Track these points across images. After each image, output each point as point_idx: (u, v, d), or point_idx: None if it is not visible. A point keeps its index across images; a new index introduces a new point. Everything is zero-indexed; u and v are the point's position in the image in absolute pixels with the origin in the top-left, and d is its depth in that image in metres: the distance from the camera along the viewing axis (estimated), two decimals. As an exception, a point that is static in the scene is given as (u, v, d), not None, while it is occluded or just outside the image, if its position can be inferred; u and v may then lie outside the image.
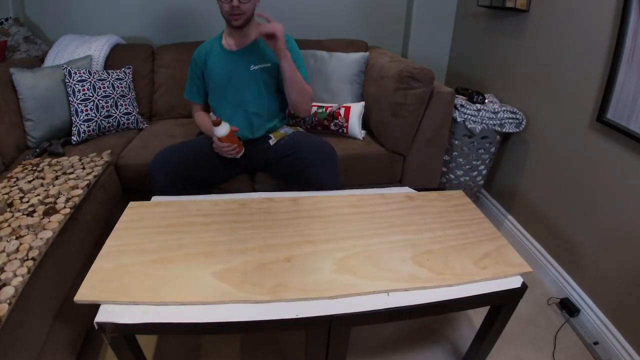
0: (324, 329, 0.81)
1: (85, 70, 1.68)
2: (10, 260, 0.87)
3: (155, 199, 1.16)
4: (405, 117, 1.58)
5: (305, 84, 1.35)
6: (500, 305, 0.93)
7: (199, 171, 1.30)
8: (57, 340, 0.95)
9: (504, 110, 1.64)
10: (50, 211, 1.07)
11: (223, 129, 1.23)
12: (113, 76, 1.76)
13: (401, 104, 1.57)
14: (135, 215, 1.05)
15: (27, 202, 1.10)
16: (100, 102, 1.68)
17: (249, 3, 1.27)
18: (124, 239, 0.95)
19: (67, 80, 1.63)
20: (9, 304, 0.77)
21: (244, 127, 1.39)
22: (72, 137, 1.64)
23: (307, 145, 1.32)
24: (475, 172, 1.81)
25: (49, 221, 1.02)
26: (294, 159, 1.32)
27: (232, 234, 0.98)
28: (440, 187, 1.88)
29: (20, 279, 0.83)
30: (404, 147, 1.65)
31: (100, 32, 2.01)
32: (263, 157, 1.42)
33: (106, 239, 0.94)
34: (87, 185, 1.23)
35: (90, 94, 1.66)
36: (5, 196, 1.13)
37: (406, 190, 1.26)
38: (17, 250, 0.90)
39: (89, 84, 1.66)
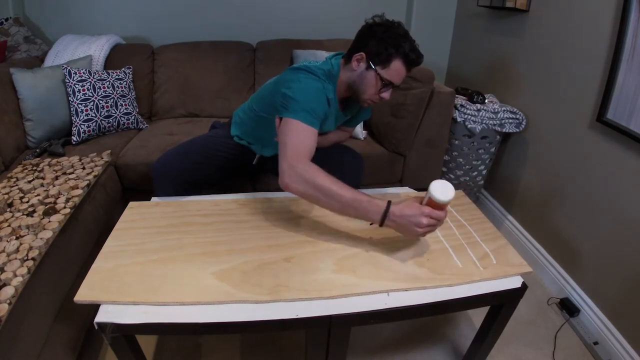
0: (324, 329, 0.81)
1: (85, 70, 1.68)
2: (10, 260, 0.87)
3: (155, 199, 1.16)
4: (405, 117, 1.58)
5: (337, 137, 1.37)
6: (500, 305, 0.93)
7: (201, 174, 1.27)
8: (57, 340, 0.95)
9: (504, 110, 1.64)
10: (50, 211, 1.07)
11: (448, 190, 0.82)
12: (113, 76, 1.76)
13: (401, 104, 1.57)
14: (135, 215, 1.05)
15: (27, 202, 1.10)
16: (100, 102, 1.68)
17: None
18: (124, 239, 0.95)
19: (67, 80, 1.63)
20: (9, 304, 0.77)
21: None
22: (72, 137, 1.64)
23: (339, 152, 1.33)
24: (475, 172, 1.81)
25: (49, 221, 1.02)
26: (325, 161, 1.26)
27: (232, 234, 0.98)
28: (440, 187, 1.87)
29: (20, 279, 0.83)
30: (404, 147, 1.65)
31: (100, 32, 2.01)
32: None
33: (106, 239, 0.94)
34: (87, 185, 1.23)
35: (90, 94, 1.66)
36: (5, 196, 1.13)
37: (406, 190, 1.26)
38: (17, 250, 0.90)
39: (89, 84, 1.66)
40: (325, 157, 1.26)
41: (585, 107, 1.33)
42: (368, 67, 1.05)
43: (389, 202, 0.85)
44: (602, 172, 1.28)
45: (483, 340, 1.02)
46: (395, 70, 1.04)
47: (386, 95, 1.09)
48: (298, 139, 0.94)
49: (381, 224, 0.85)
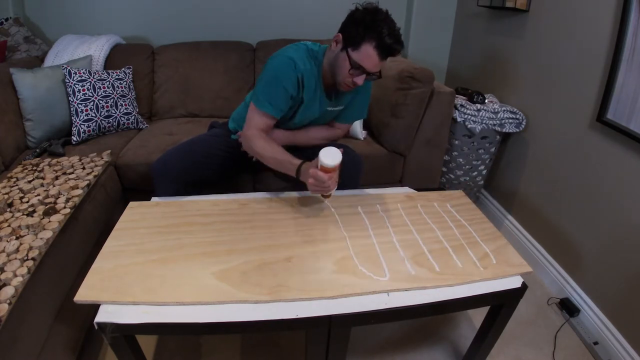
0: (324, 329, 0.81)
1: (85, 70, 1.68)
2: (10, 260, 0.87)
3: (155, 199, 1.16)
4: (405, 117, 1.58)
5: (325, 134, 1.35)
6: (500, 305, 0.93)
7: (202, 173, 1.27)
8: (57, 340, 0.95)
9: (504, 110, 1.64)
10: (50, 211, 1.07)
11: (335, 156, 0.96)
12: (113, 76, 1.76)
13: (401, 104, 1.57)
14: (135, 215, 1.05)
15: (27, 202, 1.10)
16: (100, 102, 1.68)
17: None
18: (124, 239, 0.95)
19: (67, 80, 1.63)
20: (9, 304, 0.77)
21: None
22: (72, 137, 1.64)
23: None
24: (475, 172, 1.81)
25: (49, 221, 1.02)
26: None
27: (232, 234, 0.98)
28: (440, 187, 1.88)
29: (20, 279, 0.83)
30: (404, 147, 1.65)
31: (100, 32, 2.01)
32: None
33: (106, 239, 0.94)
34: (87, 185, 1.23)
35: (90, 94, 1.66)
36: (5, 196, 1.13)
37: (406, 190, 1.26)
38: (17, 250, 0.90)
39: (89, 84, 1.66)
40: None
41: (585, 107, 1.33)
42: (342, 49, 1.06)
43: (301, 163, 1.03)
44: (602, 172, 1.28)
45: (483, 340, 1.02)
46: (366, 54, 1.02)
47: (358, 80, 1.07)
48: (256, 117, 1.15)
49: (297, 180, 1.05)
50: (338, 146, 1.34)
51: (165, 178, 1.19)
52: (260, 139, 1.13)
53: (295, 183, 1.28)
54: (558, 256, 1.51)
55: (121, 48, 1.99)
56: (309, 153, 1.29)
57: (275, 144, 1.14)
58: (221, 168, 1.32)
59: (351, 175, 1.26)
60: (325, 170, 0.96)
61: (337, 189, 1.22)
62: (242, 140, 1.21)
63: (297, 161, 1.05)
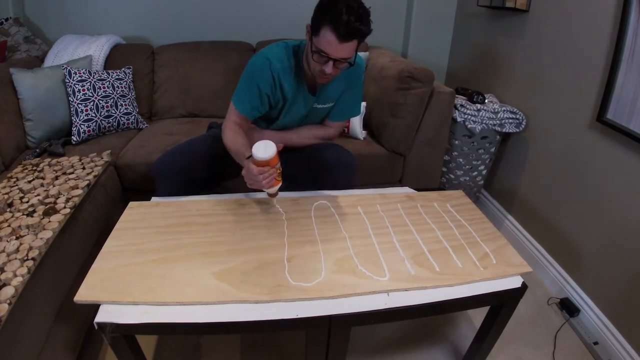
0: (324, 329, 0.81)
1: (85, 70, 1.68)
2: (10, 260, 0.87)
3: (155, 199, 1.16)
4: (405, 117, 1.59)
5: (318, 133, 1.32)
6: (500, 305, 0.93)
7: (202, 173, 1.27)
8: (57, 340, 0.95)
9: (504, 110, 1.64)
10: (50, 211, 1.07)
11: (267, 149, 0.93)
12: (113, 76, 1.76)
13: (401, 104, 1.57)
14: (135, 215, 1.05)
15: (27, 202, 1.10)
16: (100, 102, 1.68)
17: (351, 59, 1.05)
18: (124, 239, 0.94)
19: (67, 80, 1.63)
20: (9, 304, 0.77)
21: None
22: (72, 137, 1.64)
23: (331, 150, 1.29)
24: (475, 172, 1.81)
25: (49, 221, 1.02)
26: (316, 161, 1.27)
27: (232, 234, 0.98)
28: (440, 187, 1.88)
29: (20, 279, 0.83)
30: (404, 147, 1.65)
31: (100, 32, 2.02)
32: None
33: (106, 239, 0.94)
34: (87, 185, 1.23)
35: (90, 94, 1.66)
36: (5, 196, 1.13)
37: (406, 190, 1.26)
38: (17, 250, 0.90)
39: (89, 84, 1.66)
40: (315, 157, 1.27)
41: (585, 107, 1.33)
42: (310, 38, 1.03)
43: (249, 156, 0.97)
44: (602, 172, 1.28)
45: (483, 340, 1.02)
46: (325, 39, 0.96)
47: (326, 68, 1.01)
48: (229, 113, 1.20)
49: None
50: (331, 146, 1.33)
51: (165, 178, 1.19)
52: (229, 131, 1.14)
53: (306, 186, 1.28)
54: (558, 256, 1.51)
55: (121, 48, 1.99)
56: (306, 154, 1.30)
57: (240, 136, 1.13)
58: (221, 168, 1.32)
59: (345, 177, 1.26)
60: (257, 163, 0.93)
61: (330, 189, 1.22)
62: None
63: (248, 153, 0.99)
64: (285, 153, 1.30)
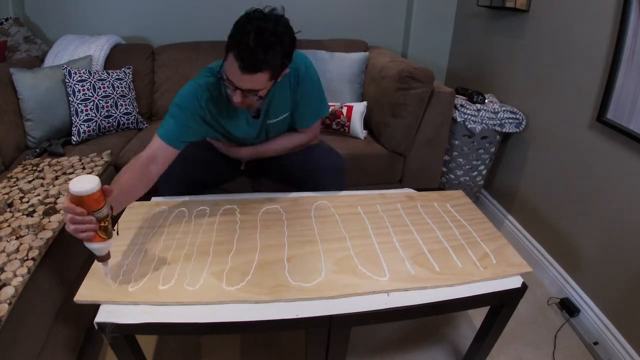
0: (324, 329, 0.81)
1: (85, 70, 1.68)
2: (10, 260, 0.87)
3: (155, 199, 1.16)
4: (405, 117, 1.59)
5: (292, 142, 1.22)
6: (500, 305, 0.93)
7: (204, 176, 1.27)
8: (57, 340, 0.95)
9: (504, 110, 1.64)
10: (50, 211, 1.07)
11: (86, 182, 0.69)
12: (113, 76, 1.76)
13: (401, 104, 1.57)
14: (135, 215, 1.05)
15: (27, 202, 1.10)
16: (100, 102, 1.68)
17: (259, 100, 0.96)
18: (124, 239, 0.94)
19: (67, 80, 1.63)
20: (9, 304, 0.77)
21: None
22: (72, 137, 1.64)
23: (317, 155, 1.25)
24: (475, 172, 1.81)
25: (49, 221, 1.02)
26: (303, 167, 1.24)
27: (232, 234, 0.98)
28: (440, 187, 1.88)
29: (20, 279, 0.83)
30: (404, 147, 1.65)
31: (100, 32, 2.01)
32: (269, 165, 1.32)
33: (106, 239, 0.94)
34: (87, 185, 1.23)
35: (90, 94, 1.66)
36: (5, 196, 1.13)
37: (406, 190, 1.26)
38: (17, 250, 0.90)
39: (89, 84, 1.66)
40: (303, 162, 1.25)
41: (585, 107, 1.33)
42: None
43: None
44: (602, 172, 1.28)
45: (483, 340, 1.02)
46: (229, 65, 0.87)
47: (233, 97, 0.93)
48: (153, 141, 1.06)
49: None
50: (319, 150, 1.27)
51: (168, 183, 1.18)
52: (132, 161, 0.99)
53: (299, 189, 1.28)
54: (558, 256, 1.51)
55: (121, 48, 1.99)
56: (294, 160, 1.24)
57: (129, 171, 0.95)
58: (222, 170, 1.32)
59: (336, 181, 1.24)
60: (71, 198, 0.69)
61: (337, 190, 1.22)
62: None
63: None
64: (274, 159, 1.27)
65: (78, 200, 0.69)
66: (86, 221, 0.69)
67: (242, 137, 1.18)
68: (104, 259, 0.78)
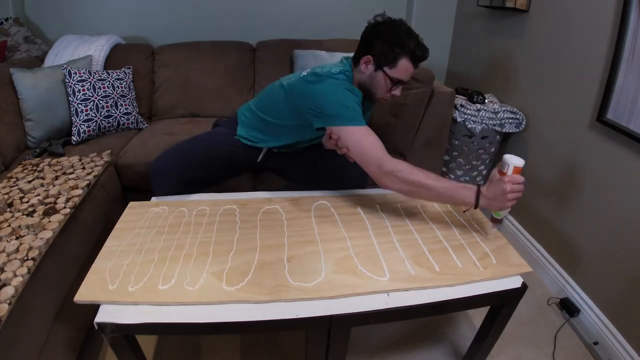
0: (324, 329, 0.81)
1: (85, 70, 1.68)
2: (10, 260, 0.87)
3: (155, 199, 1.16)
4: (405, 117, 1.59)
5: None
6: (500, 305, 0.93)
7: (201, 172, 1.26)
8: (57, 340, 0.95)
9: (504, 110, 1.64)
10: (50, 211, 1.07)
11: (519, 159, 0.92)
12: (113, 76, 1.76)
13: (401, 104, 1.57)
14: (135, 215, 1.05)
15: (27, 202, 1.10)
16: (100, 102, 1.68)
17: None
18: (124, 239, 0.95)
19: (67, 80, 1.63)
20: (9, 304, 0.77)
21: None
22: (72, 137, 1.64)
23: (354, 169, 1.23)
24: (475, 172, 1.81)
25: (49, 221, 1.02)
26: (329, 164, 1.26)
27: (232, 234, 0.98)
28: (440, 187, 1.88)
29: (20, 279, 0.83)
30: (404, 147, 1.65)
31: (100, 32, 2.01)
32: (295, 160, 1.35)
33: (106, 239, 0.94)
34: (87, 185, 1.23)
35: (90, 94, 1.66)
36: (5, 196, 1.13)
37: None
38: (17, 250, 0.90)
39: (89, 84, 1.66)
40: (330, 160, 1.25)
41: (585, 107, 1.33)
42: (376, 69, 1.09)
43: (479, 185, 0.94)
44: (602, 172, 1.28)
45: (483, 340, 1.02)
46: (403, 68, 1.08)
47: (397, 92, 1.14)
48: (368, 142, 1.02)
49: (476, 205, 0.93)
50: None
51: (163, 177, 1.19)
52: (414, 170, 0.96)
53: (298, 183, 1.28)
54: (558, 256, 1.51)
55: (121, 48, 1.99)
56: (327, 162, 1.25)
57: (430, 173, 0.97)
58: (222, 167, 1.31)
59: (358, 177, 1.24)
60: (519, 171, 0.92)
61: (340, 188, 1.21)
62: (389, 180, 0.98)
63: (472, 186, 0.94)
64: (304, 153, 1.29)
65: (520, 171, 0.92)
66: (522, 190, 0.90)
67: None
68: (501, 221, 1.01)
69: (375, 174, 1.00)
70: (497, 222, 1.00)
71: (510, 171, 0.91)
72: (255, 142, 1.32)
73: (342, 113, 1.03)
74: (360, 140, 1.02)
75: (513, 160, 0.91)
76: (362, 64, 1.11)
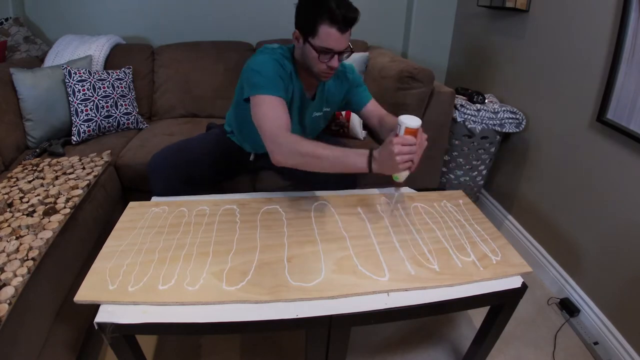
0: (324, 329, 0.81)
1: (85, 70, 1.68)
2: (10, 260, 0.87)
3: (155, 199, 1.16)
4: (405, 117, 1.58)
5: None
6: (500, 305, 0.93)
7: (197, 170, 1.26)
8: (57, 340, 0.95)
9: (504, 110, 1.64)
10: (50, 211, 1.07)
11: (414, 119, 0.88)
12: (113, 76, 1.76)
13: (401, 104, 1.57)
14: (135, 215, 1.05)
15: (27, 202, 1.10)
16: (100, 102, 1.68)
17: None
18: (124, 239, 0.94)
19: (67, 80, 1.63)
20: (9, 304, 0.77)
21: None
22: (72, 137, 1.64)
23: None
24: (475, 172, 1.81)
25: (49, 221, 1.02)
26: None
27: (232, 234, 0.98)
28: (440, 187, 1.88)
29: (20, 279, 0.83)
30: (404, 147, 1.65)
31: (100, 32, 2.01)
32: None
33: (106, 239, 0.94)
34: (87, 185, 1.23)
35: (90, 94, 1.66)
36: (5, 196, 1.13)
37: (406, 190, 1.26)
38: (17, 250, 0.90)
39: (89, 84, 1.66)
40: None
41: (585, 107, 1.33)
42: (304, 42, 1.02)
43: (371, 149, 0.90)
44: (601, 172, 1.28)
45: (483, 340, 1.02)
46: (325, 34, 0.97)
47: (332, 63, 1.02)
48: (268, 114, 0.97)
49: (370, 170, 0.90)
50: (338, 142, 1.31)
51: (159, 174, 1.19)
52: (304, 141, 0.94)
53: (297, 182, 1.28)
54: (558, 256, 1.51)
55: (121, 48, 1.99)
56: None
57: (321, 143, 0.94)
58: (217, 167, 1.32)
59: (351, 176, 1.26)
60: (411, 132, 0.87)
61: (341, 189, 1.21)
62: (280, 154, 0.96)
63: (363, 150, 0.91)
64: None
65: (414, 133, 0.87)
66: (415, 151, 0.86)
67: (296, 119, 1.20)
68: (403, 184, 0.98)
69: (269, 148, 0.96)
70: (397, 185, 0.98)
71: (402, 132, 0.87)
72: (239, 143, 1.33)
73: (257, 81, 1.00)
74: (261, 110, 0.98)
75: (405, 120, 0.86)
76: (295, 40, 1.07)
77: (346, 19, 0.95)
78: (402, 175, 0.94)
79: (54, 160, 1.38)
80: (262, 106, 0.98)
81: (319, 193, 1.19)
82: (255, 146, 1.34)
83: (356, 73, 1.28)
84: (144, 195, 1.21)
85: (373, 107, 1.26)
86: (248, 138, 1.32)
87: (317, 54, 1.00)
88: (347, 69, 1.24)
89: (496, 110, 1.64)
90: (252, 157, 1.37)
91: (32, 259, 0.89)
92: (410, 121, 0.87)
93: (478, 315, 1.34)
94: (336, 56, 1.02)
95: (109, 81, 1.73)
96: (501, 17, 1.81)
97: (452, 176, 1.84)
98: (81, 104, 1.63)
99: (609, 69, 1.19)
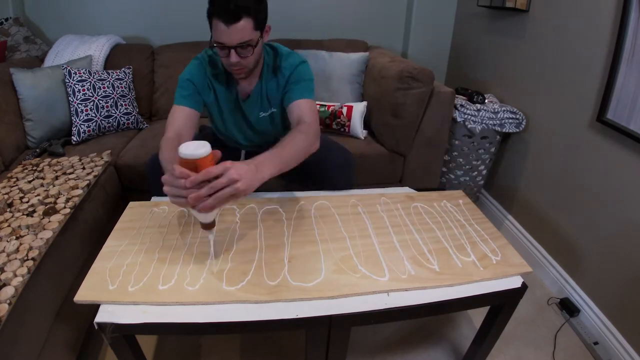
0: (324, 329, 0.81)
1: (85, 70, 1.68)
2: (10, 260, 0.87)
3: (155, 199, 1.16)
4: (405, 117, 1.59)
5: (302, 147, 0.99)
6: (500, 305, 0.93)
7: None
8: (57, 340, 0.95)
9: (504, 110, 1.64)
10: (50, 211, 1.07)
11: (199, 147, 0.70)
12: (113, 76, 1.76)
13: (401, 104, 1.57)
14: (135, 215, 1.05)
15: (27, 202, 1.10)
16: (100, 102, 1.68)
17: (253, 56, 1.02)
18: (124, 239, 0.94)
19: (67, 80, 1.63)
20: (9, 304, 0.77)
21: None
22: (72, 137, 1.64)
23: (327, 150, 1.19)
24: (475, 172, 1.81)
25: (49, 221, 1.02)
26: (312, 163, 1.12)
27: (232, 234, 0.98)
28: (440, 187, 1.88)
29: (20, 279, 0.83)
30: (404, 147, 1.65)
31: (100, 32, 2.02)
32: None
33: (106, 239, 0.94)
34: (87, 185, 1.23)
35: (90, 94, 1.66)
36: (5, 196, 1.13)
37: (406, 190, 1.26)
38: (17, 250, 0.90)
39: (89, 84, 1.66)
40: (313, 157, 1.19)
41: (585, 107, 1.33)
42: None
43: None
44: (601, 172, 1.28)
45: (483, 340, 1.02)
46: (215, 29, 0.95)
47: (230, 58, 0.99)
48: (169, 119, 1.08)
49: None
50: (330, 147, 1.26)
51: (157, 173, 1.18)
52: (164, 144, 0.97)
53: (306, 185, 1.27)
54: (558, 256, 1.51)
55: (121, 48, 1.99)
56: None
57: (171, 150, 0.90)
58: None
59: (344, 174, 1.24)
60: (183, 163, 0.69)
61: (331, 189, 1.20)
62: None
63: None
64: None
65: (192, 162, 0.67)
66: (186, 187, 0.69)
67: (234, 122, 1.23)
68: (212, 226, 0.78)
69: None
70: (205, 227, 0.79)
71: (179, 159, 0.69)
72: (228, 142, 1.35)
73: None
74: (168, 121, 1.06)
75: (182, 149, 0.69)
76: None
77: (230, 11, 0.91)
78: (200, 216, 0.75)
79: (54, 160, 1.38)
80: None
81: (319, 193, 1.19)
82: (239, 145, 1.36)
83: (302, 70, 1.16)
84: (144, 195, 1.21)
85: (297, 107, 1.11)
86: (229, 139, 1.34)
87: (219, 51, 1.00)
88: (288, 65, 1.15)
89: (496, 110, 1.64)
90: (242, 156, 1.37)
91: (32, 259, 0.89)
92: (187, 149, 0.68)
93: (478, 315, 1.34)
94: (232, 51, 0.98)
95: (109, 81, 1.73)
96: (501, 17, 1.81)
97: (452, 176, 1.85)
98: (81, 104, 1.64)
99: (609, 69, 1.19)
